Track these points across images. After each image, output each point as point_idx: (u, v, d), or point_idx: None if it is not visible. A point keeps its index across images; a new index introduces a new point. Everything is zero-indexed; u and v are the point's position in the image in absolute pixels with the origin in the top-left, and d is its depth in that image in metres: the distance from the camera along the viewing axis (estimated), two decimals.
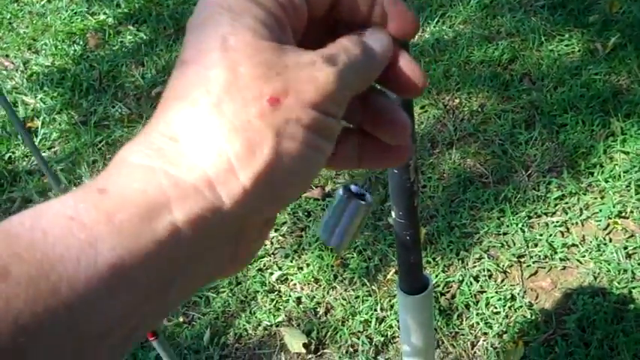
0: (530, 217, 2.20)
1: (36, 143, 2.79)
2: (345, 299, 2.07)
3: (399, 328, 1.54)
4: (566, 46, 2.83)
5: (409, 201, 1.06)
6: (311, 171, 0.33)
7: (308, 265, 2.17)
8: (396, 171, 1.03)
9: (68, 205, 0.28)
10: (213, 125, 0.30)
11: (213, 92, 0.30)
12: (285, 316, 2.07)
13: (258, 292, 2.14)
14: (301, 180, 0.33)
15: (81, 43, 3.28)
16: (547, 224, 2.17)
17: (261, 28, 0.32)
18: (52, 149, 2.78)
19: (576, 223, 2.17)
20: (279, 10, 0.33)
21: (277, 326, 2.06)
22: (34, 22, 3.50)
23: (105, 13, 3.45)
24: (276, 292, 2.14)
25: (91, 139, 2.75)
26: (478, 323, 1.96)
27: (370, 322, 2.00)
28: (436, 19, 3.04)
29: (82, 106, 2.93)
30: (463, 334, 1.96)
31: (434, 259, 2.13)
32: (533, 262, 2.08)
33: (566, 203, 2.22)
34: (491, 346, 1.92)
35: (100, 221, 0.28)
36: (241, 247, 0.34)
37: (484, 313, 1.98)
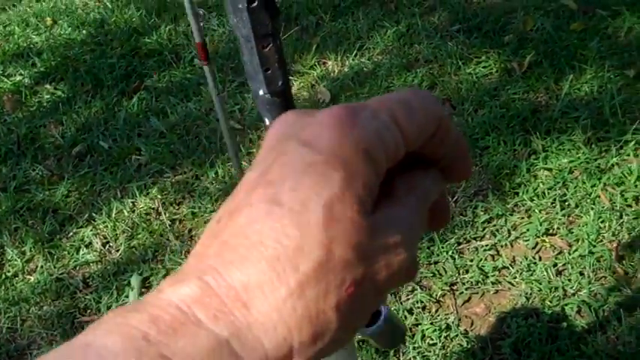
0: (459, 244, 2.18)
1: None
2: None
3: None
4: (484, 67, 2.86)
5: None
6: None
7: None
8: None
9: None
10: (290, 308, 0.30)
11: (302, 271, 0.30)
12: None
13: None
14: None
15: None
16: (477, 249, 2.16)
17: (366, 199, 0.31)
18: None
19: (505, 245, 2.16)
20: (385, 167, 0.32)
21: None
22: None
23: (20, 74, 3.37)
24: None
25: (12, 206, 2.66)
26: (415, 357, 1.93)
27: None
28: (354, 52, 3.04)
29: (2, 171, 2.85)
30: None
31: None
32: (466, 289, 2.06)
33: (494, 226, 2.22)
34: None
35: None
36: None
37: (420, 347, 1.95)
